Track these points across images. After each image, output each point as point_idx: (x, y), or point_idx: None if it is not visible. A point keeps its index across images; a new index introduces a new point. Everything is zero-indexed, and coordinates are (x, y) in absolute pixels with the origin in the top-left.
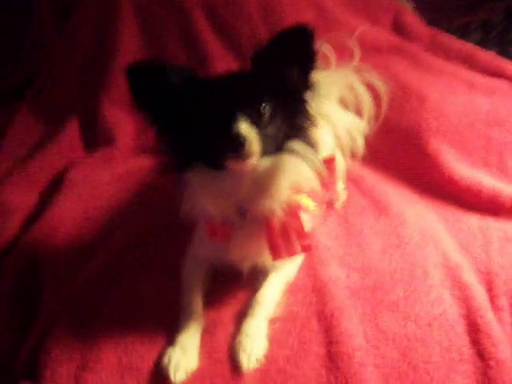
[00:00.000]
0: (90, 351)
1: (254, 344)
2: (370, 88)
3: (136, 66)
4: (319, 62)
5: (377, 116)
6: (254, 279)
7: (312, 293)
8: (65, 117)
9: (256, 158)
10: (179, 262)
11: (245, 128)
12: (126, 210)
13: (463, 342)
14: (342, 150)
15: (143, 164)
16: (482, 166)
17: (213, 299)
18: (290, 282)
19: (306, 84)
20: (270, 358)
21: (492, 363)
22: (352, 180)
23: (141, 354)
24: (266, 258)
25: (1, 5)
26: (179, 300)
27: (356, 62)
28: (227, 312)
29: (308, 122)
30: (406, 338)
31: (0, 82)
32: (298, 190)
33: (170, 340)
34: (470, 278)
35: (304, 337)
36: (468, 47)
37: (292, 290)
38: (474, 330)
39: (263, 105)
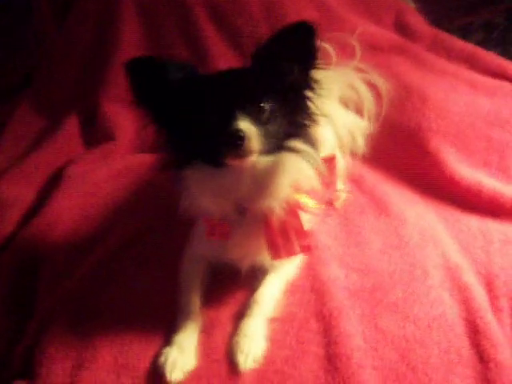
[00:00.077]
0: (85, 350)
1: (252, 344)
2: (372, 87)
3: (136, 62)
4: (320, 59)
5: (378, 115)
6: (253, 278)
7: (311, 293)
8: (64, 113)
9: (256, 156)
10: (177, 260)
11: (244, 125)
12: (123, 207)
13: (462, 343)
14: (343, 149)
15: (142, 161)
16: (483, 167)
17: (211, 298)
18: (288, 281)
19: (307, 81)
20: (267, 359)
21: (491, 365)
22: (352, 179)
23: (137, 353)
24: (264, 257)
25: (0, 3)
26: (177, 299)
27: (357, 61)
28: (225, 312)
29: (309, 120)
30: (404, 339)
31: (0, 77)
32: (297, 189)
33: (167, 339)
34: (470, 279)
35: (302, 337)
36: (470, 47)
37: (291, 289)
38: (474, 331)
39: (263, 102)
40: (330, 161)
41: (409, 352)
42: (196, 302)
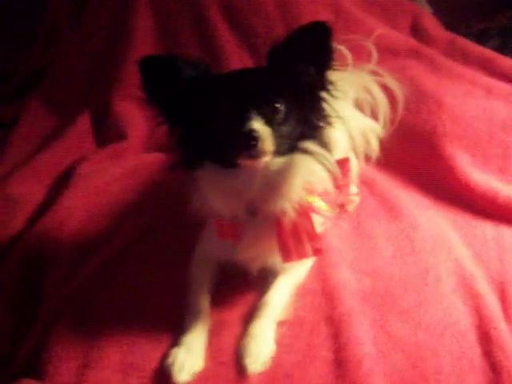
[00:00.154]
0: (91, 349)
1: (261, 347)
2: (387, 91)
3: (149, 60)
4: (336, 61)
5: (392, 119)
6: (263, 280)
7: (321, 296)
8: (76, 111)
9: (269, 157)
10: (183, 261)
11: (258, 125)
12: (130, 207)
13: (475, 352)
14: (356, 153)
15: (154, 160)
16: (498, 173)
17: (220, 300)
18: (299, 284)
19: (322, 82)
20: (276, 362)
21: (504, 375)
22: (365, 183)
23: (144, 353)
24: (275, 258)
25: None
26: (186, 299)
27: (373, 64)
28: (234, 313)
29: (323, 122)
30: (416, 347)
31: (13, 75)
32: (310, 191)
33: (175, 340)
34: (483, 286)
35: (312, 341)
36: (487, 52)
37: (301, 292)
38: (487, 340)
39: (278, 102)
40: (343, 163)
41: (420, 360)
42: (205, 302)
